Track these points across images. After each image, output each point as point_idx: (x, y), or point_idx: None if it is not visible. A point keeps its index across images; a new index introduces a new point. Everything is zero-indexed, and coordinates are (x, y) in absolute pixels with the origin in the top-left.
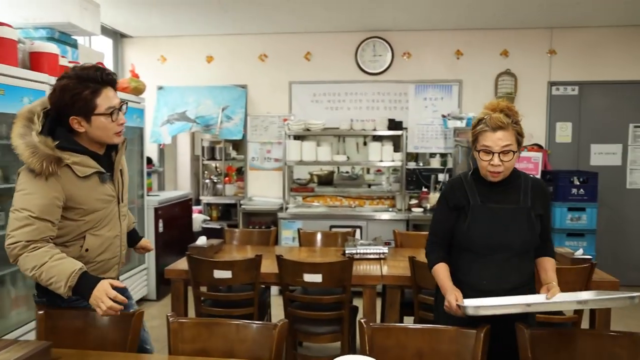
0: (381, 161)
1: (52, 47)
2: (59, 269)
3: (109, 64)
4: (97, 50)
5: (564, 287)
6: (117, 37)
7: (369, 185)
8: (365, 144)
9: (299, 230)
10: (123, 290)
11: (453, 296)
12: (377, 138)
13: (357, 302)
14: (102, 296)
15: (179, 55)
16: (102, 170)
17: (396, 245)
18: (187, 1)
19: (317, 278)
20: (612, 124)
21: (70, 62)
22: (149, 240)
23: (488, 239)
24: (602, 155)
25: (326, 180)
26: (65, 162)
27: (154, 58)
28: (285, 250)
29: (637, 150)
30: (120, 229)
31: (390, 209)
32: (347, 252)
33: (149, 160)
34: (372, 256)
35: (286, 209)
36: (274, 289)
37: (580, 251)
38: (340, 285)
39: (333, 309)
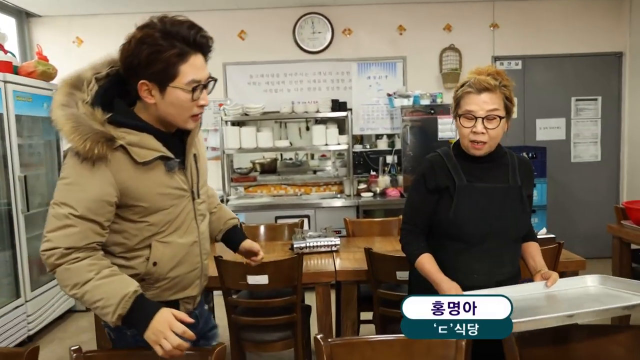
0: (326, 145)
1: None
2: (107, 289)
3: (12, 48)
4: None
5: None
6: (22, 15)
7: (314, 172)
8: (308, 128)
9: (240, 224)
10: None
11: (456, 289)
12: (321, 121)
13: (309, 299)
14: (166, 330)
15: (98, 36)
16: (169, 154)
17: (348, 235)
18: None
19: (262, 280)
20: (556, 98)
21: None
22: (255, 243)
23: (479, 224)
24: (547, 130)
25: (269, 168)
26: (118, 142)
27: (68, 40)
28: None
29: (580, 124)
30: (198, 233)
31: (339, 195)
32: (295, 246)
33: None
34: (323, 249)
35: (227, 201)
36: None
37: (544, 230)
38: (290, 285)
39: (283, 313)
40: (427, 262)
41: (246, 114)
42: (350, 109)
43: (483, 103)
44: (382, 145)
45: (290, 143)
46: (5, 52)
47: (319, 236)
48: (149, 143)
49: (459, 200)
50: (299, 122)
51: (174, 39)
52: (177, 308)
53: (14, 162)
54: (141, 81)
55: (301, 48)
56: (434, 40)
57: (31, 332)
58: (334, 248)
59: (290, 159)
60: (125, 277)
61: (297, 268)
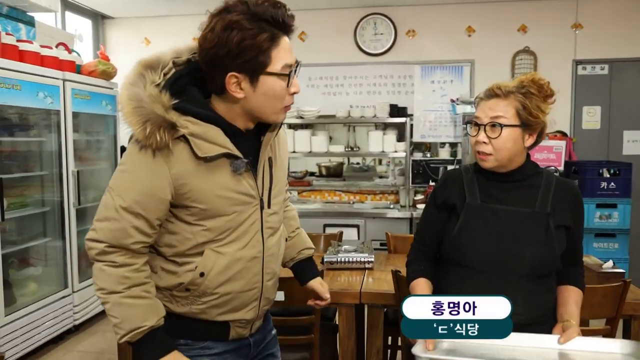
0: (382, 152)
1: None
2: (126, 312)
3: (87, 48)
4: (70, 31)
5: (588, 311)
6: (98, 18)
7: (380, 177)
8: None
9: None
10: None
11: None
12: (382, 126)
13: None
14: None
15: (165, 37)
16: (237, 153)
17: (389, 251)
18: None
19: (278, 296)
20: None
21: (19, 40)
22: (324, 283)
23: (486, 251)
24: (636, 143)
25: (335, 172)
26: (180, 130)
27: (137, 40)
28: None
29: None
30: (263, 248)
31: (392, 206)
32: (325, 260)
33: (124, 150)
34: (355, 265)
35: None
36: None
37: (610, 263)
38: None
39: (301, 333)
40: (417, 288)
41: (301, 117)
42: (411, 115)
43: (488, 109)
44: (444, 154)
45: (352, 148)
46: (70, 51)
47: (355, 250)
48: (214, 137)
49: (465, 220)
50: (368, 126)
51: (262, 21)
52: (228, 331)
53: (69, 157)
54: (230, 73)
55: (362, 50)
56: (506, 42)
57: (77, 322)
58: (367, 265)
59: (358, 163)
60: (152, 305)
61: None
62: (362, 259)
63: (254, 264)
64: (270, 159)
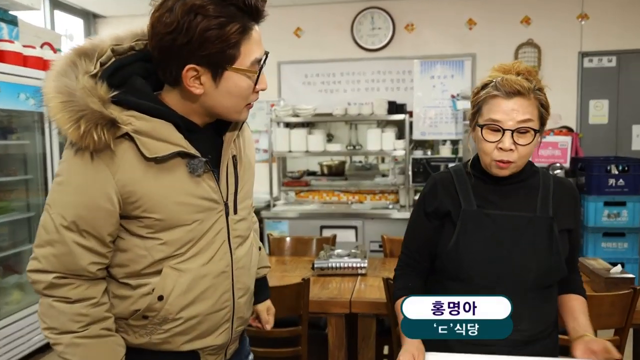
0: (381, 150)
1: None
2: (85, 354)
3: None
4: (60, 31)
5: (595, 321)
6: (89, 17)
7: (383, 176)
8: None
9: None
10: None
11: (408, 356)
12: (383, 123)
13: None
14: None
15: None
16: (193, 151)
17: (385, 255)
18: None
19: None
20: None
21: (1, 40)
22: (272, 308)
23: (486, 262)
24: None
25: (337, 171)
26: (123, 128)
27: None
28: None
29: None
30: (232, 260)
31: (391, 206)
32: (316, 266)
33: None
34: (347, 272)
35: (273, 206)
36: None
37: (618, 268)
38: (295, 314)
39: (288, 344)
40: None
41: (297, 115)
42: (411, 112)
43: (513, 111)
44: (445, 152)
45: (354, 146)
46: (55, 51)
47: (348, 255)
48: (164, 133)
49: (462, 228)
50: (369, 124)
51: (232, 6)
52: None
53: (54, 160)
54: (188, 66)
55: (359, 45)
56: (509, 35)
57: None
58: (360, 271)
59: (360, 161)
60: (113, 343)
61: (303, 296)
62: (355, 265)
63: (223, 279)
64: (234, 158)
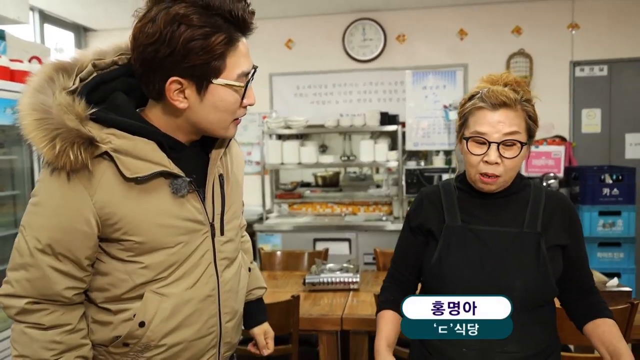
0: (374, 161)
1: None
2: None
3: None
4: (50, 45)
5: None
6: (80, 30)
7: (378, 187)
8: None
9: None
10: None
11: None
12: (376, 134)
13: None
14: None
15: None
16: (177, 171)
17: (378, 268)
18: None
19: None
20: None
21: None
22: (270, 332)
23: (469, 278)
24: (639, 146)
25: (331, 182)
26: (102, 147)
27: None
28: None
29: None
30: (218, 284)
31: (385, 218)
32: (307, 281)
33: None
34: (339, 287)
35: (266, 218)
36: None
37: (615, 281)
38: (285, 332)
39: None
40: (381, 321)
41: (289, 127)
42: (403, 122)
43: (499, 123)
44: (439, 162)
45: (349, 157)
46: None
47: (340, 270)
48: (146, 152)
49: (445, 244)
50: (363, 135)
51: (218, 17)
52: None
53: (35, 175)
54: (172, 78)
55: (351, 57)
56: (500, 45)
57: None
58: (352, 286)
59: (355, 172)
60: None
61: (293, 314)
62: (347, 279)
63: (208, 304)
64: (221, 177)
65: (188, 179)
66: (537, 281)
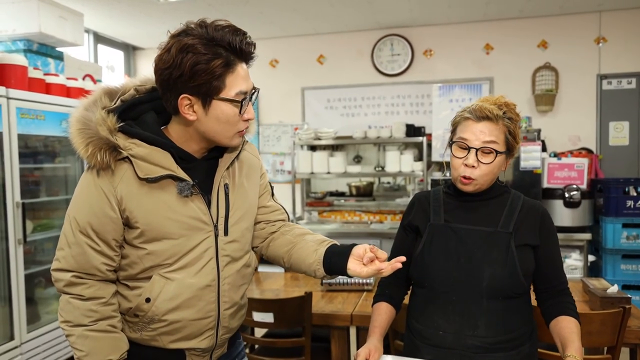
0: (400, 172)
1: (18, 59)
2: (92, 345)
3: (120, 78)
4: (102, 63)
5: (585, 339)
6: (129, 49)
7: (408, 197)
8: (402, 153)
9: None
10: None
11: (365, 351)
12: (403, 146)
13: None
14: None
15: None
16: (181, 175)
17: None
18: (189, 9)
19: (267, 317)
20: None
21: (46, 74)
22: (367, 247)
23: (445, 271)
24: None
25: (365, 191)
26: (123, 152)
27: None
28: (265, 277)
29: None
30: (218, 276)
31: None
32: (324, 281)
33: None
34: (354, 287)
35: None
36: None
37: (615, 288)
38: (298, 326)
39: (293, 355)
40: (376, 312)
41: (318, 138)
42: (430, 134)
43: (480, 133)
44: None
45: (383, 168)
46: (95, 82)
47: None
48: (158, 159)
49: (427, 240)
50: (393, 146)
51: (219, 46)
52: (184, 358)
53: (15, 187)
54: (182, 95)
55: (379, 71)
56: (526, 58)
57: None
58: (366, 287)
59: (388, 182)
60: (117, 339)
61: (306, 309)
62: (361, 281)
63: (207, 292)
64: (226, 185)
65: (192, 183)
66: (504, 273)
